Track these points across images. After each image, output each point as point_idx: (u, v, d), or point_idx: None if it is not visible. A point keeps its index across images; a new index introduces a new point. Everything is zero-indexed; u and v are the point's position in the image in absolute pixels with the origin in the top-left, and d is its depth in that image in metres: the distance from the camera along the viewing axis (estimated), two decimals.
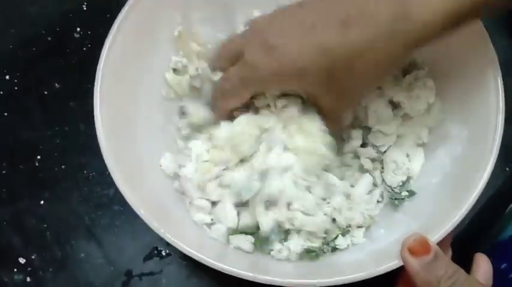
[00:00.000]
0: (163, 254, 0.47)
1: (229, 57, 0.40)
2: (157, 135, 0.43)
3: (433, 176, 0.40)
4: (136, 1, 0.41)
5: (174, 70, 0.45)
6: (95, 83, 0.39)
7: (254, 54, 0.37)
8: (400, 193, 0.41)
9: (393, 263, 0.34)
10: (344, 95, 0.37)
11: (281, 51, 0.35)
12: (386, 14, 0.32)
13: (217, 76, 0.42)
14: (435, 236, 0.34)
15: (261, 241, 0.39)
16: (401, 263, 0.33)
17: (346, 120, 0.42)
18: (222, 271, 0.34)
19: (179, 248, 0.34)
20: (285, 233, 0.40)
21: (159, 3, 0.43)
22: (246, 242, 0.38)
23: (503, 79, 0.38)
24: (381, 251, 0.37)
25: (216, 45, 0.44)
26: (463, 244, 0.46)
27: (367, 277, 0.34)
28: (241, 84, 0.39)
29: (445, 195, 0.38)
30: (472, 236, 0.48)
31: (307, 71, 0.35)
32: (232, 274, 0.34)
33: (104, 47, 0.41)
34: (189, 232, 0.39)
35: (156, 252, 0.47)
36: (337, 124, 0.41)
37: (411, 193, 0.41)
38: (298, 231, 0.39)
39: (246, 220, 0.39)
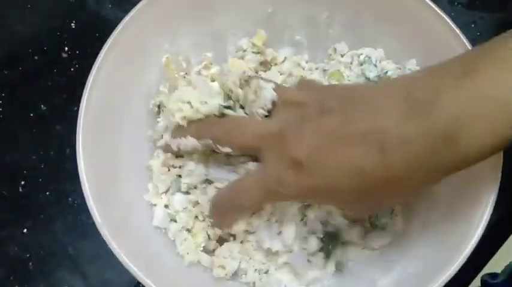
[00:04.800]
0: None
1: (241, 145, 0.35)
2: (145, 177, 0.42)
3: (429, 214, 0.39)
4: (124, 27, 0.40)
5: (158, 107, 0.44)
6: (78, 120, 0.38)
7: (278, 167, 0.32)
8: None
9: None
10: (373, 209, 0.36)
11: (311, 169, 0.31)
12: (430, 142, 0.29)
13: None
14: (437, 282, 0.32)
15: None
16: None
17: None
18: None
19: None
20: None
21: (147, 29, 0.41)
22: None
23: None
24: None
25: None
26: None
27: None
28: (263, 198, 0.34)
29: (443, 236, 0.36)
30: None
31: (339, 191, 0.31)
32: None
33: (91, 71, 0.39)
34: (171, 273, 0.37)
35: (141, 285, 0.45)
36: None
37: None
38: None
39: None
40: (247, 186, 0.34)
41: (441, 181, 0.37)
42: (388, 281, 0.36)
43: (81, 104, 0.38)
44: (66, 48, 0.55)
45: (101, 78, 0.39)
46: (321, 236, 0.39)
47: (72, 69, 0.54)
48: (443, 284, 0.33)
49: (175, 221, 0.40)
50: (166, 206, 0.41)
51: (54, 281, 0.46)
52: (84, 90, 0.39)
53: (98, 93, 0.39)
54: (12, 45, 0.56)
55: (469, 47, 0.38)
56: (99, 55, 0.40)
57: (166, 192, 0.41)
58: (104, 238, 0.34)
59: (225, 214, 0.37)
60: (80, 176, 0.36)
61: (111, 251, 0.46)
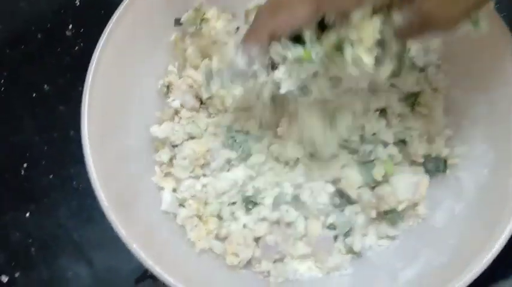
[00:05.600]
0: None
1: None
2: (149, 153, 0.39)
3: (455, 203, 0.36)
4: (130, 3, 0.38)
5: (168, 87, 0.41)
6: (83, 101, 0.36)
7: None
8: None
9: None
10: None
11: None
12: None
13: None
14: (465, 276, 0.30)
15: None
16: None
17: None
18: None
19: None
20: None
21: (154, 5, 0.39)
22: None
23: None
24: None
25: None
26: None
27: None
28: None
29: (471, 227, 0.34)
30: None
31: None
32: None
33: (95, 50, 0.37)
34: (181, 260, 0.35)
35: (149, 273, 0.43)
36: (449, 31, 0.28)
37: None
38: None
39: None
40: None
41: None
42: (410, 273, 0.34)
43: (85, 85, 0.36)
44: (70, 26, 0.52)
45: (106, 58, 0.37)
46: None
47: (76, 48, 0.52)
48: (470, 280, 0.30)
49: (184, 206, 0.38)
50: (174, 190, 0.39)
51: (58, 268, 0.44)
52: (89, 70, 0.37)
53: (103, 73, 0.37)
54: (14, 23, 0.53)
55: (503, 23, 0.35)
56: (103, 33, 0.38)
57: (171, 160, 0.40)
58: (111, 223, 0.33)
59: (273, 14, 0.30)
60: (86, 158, 0.35)
61: (118, 238, 0.44)
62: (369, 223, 0.39)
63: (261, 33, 0.30)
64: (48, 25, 0.53)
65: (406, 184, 0.37)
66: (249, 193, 0.38)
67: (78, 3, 0.53)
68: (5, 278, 0.44)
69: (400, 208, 0.36)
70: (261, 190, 0.38)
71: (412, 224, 0.38)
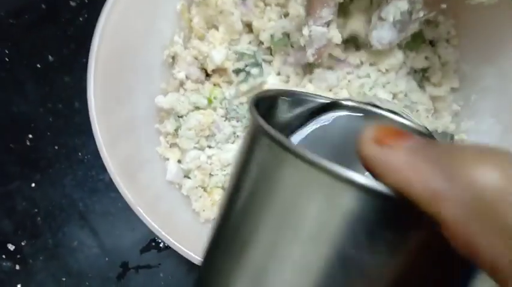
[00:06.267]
0: (162, 246, 0.44)
1: None
2: (154, 124, 0.39)
3: None
4: None
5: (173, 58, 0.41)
6: (88, 72, 0.35)
7: None
8: None
9: None
10: None
11: None
12: None
13: None
14: None
15: None
16: None
17: None
18: None
19: (179, 252, 0.31)
20: None
21: None
22: None
23: None
24: None
25: None
26: None
27: None
28: None
29: None
30: None
31: None
32: None
33: (99, 20, 0.37)
34: (186, 229, 0.35)
35: (154, 244, 0.44)
36: None
37: None
38: None
39: None
40: None
41: None
42: None
43: (90, 54, 0.36)
44: None
45: (111, 27, 0.37)
46: None
47: (80, 18, 0.51)
48: None
49: (189, 177, 0.38)
50: (179, 161, 0.39)
51: (64, 236, 0.45)
52: (93, 40, 0.36)
53: (108, 43, 0.36)
54: None
55: None
56: (107, 2, 0.37)
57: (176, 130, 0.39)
58: (118, 188, 0.33)
59: None
60: (92, 125, 0.34)
61: (123, 208, 0.45)
62: None
63: None
64: None
65: None
66: None
67: None
68: (11, 247, 0.45)
69: None
70: None
71: None
